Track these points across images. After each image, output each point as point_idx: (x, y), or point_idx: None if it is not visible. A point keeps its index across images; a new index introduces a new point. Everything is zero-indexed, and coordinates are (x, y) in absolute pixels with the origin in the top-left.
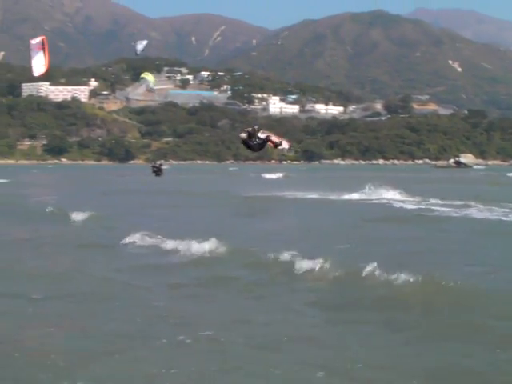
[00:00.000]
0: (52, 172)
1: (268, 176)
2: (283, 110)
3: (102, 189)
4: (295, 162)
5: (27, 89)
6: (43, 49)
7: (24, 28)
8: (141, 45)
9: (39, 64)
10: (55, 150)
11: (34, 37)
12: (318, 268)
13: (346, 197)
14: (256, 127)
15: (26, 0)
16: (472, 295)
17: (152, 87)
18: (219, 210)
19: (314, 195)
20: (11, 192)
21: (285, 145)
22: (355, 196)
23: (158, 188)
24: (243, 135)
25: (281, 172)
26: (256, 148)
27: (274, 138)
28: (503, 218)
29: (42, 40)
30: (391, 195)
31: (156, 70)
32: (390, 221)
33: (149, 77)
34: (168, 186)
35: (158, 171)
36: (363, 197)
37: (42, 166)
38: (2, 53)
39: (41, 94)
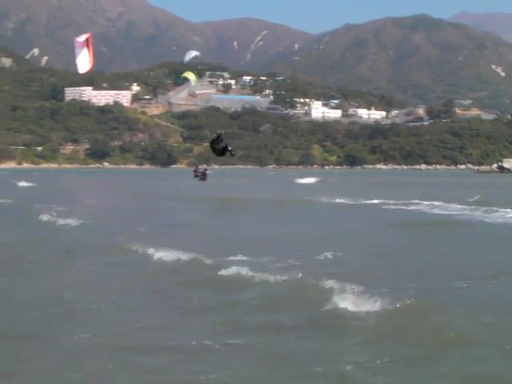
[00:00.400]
0: (87, 176)
1: (301, 181)
2: (325, 114)
3: (131, 191)
4: (337, 167)
5: (70, 93)
6: (88, 46)
7: (67, 33)
8: (188, 56)
9: (84, 61)
10: (98, 154)
11: (74, 50)
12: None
13: (372, 201)
14: (223, 131)
15: (70, 6)
16: None
17: (193, 86)
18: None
19: (342, 200)
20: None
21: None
22: (378, 201)
23: (192, 194)
24: (214, 136)
25: (317, 177)
26: (218, 152)
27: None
28: None
29: (87, 37)
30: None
31: (198, 74)
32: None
33: (190, 75)
34: (204, 192)
35: (202, 176)
36: (392, 201)
37: (81, 170)
38: (46, 57)
39: (83, 99)
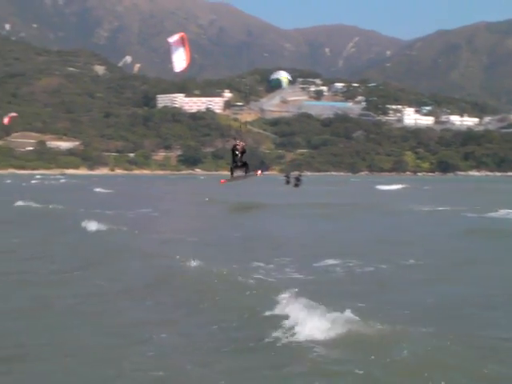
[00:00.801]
0: (176, 181)
1: (384, 187)
2: (418, 121)
3: (212, 197)
4: (430, 174)
5: (162, 100)
6: (183, 44)
7: (159, 40)
8: (277, 75)
9: (180, 59)
10: (190, 160)
11: (169, 50)
12: None
13: (453, 208)
14: (242, 144)
15: (161, 13)
16: None
17: (285, 90)
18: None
19: (420, 206)
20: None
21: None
22: (459, 208)
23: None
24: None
25: (404, 183)
26: (239, 162)
27: None
28: None
29: (181, 36)
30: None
31: (290, 81)
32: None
33: (282, 77)
34: (293, 198)
35: (296, 182)
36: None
37: (170, 177)
38: (138, 65)
39: (175, 105)
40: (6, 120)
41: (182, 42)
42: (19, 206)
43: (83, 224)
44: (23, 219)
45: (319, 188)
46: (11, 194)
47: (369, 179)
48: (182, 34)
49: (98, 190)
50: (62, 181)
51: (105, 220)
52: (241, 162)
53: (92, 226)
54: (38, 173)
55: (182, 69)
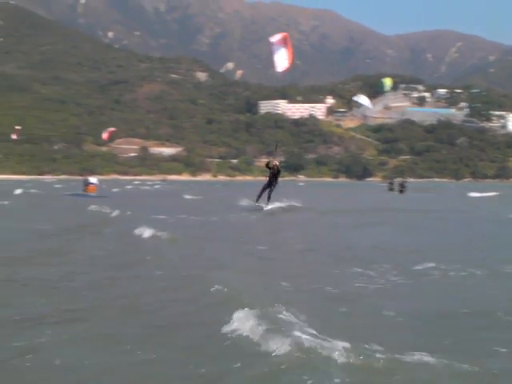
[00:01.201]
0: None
1: (475, 194)
2: None
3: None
4: None
5: (264, 106)
6: (285, 44)
7: (261, 47)
8: (360, 100)
9: (282, 59)
10: (292, 166)
11: (270, 55)
12: None
13: None
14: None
15: (263, 19)
16: None
17: (387, 95)
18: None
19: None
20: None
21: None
22: None
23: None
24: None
25: (498, 191)
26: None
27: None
28: None
29: (284, 36)
30: None
31: (392, 87)
32: None
33: (387, 81)
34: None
35: (401, 188)
36: None
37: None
38: (240, 71)
39: (278, 112)
40: (105, 135)
41: (284, 41)
42: (90, 211)
43: (136, 231)
44: (81, 223)
45: (415, 195)
46: (94, 199)
47: (465, 186)
48: (285, 33)
49: (187, 196)
50: (157, 186)
51: (162, 227)
52: (273, 184)
53: (146, 233)
54: (141, 178)
55: (284, 69)
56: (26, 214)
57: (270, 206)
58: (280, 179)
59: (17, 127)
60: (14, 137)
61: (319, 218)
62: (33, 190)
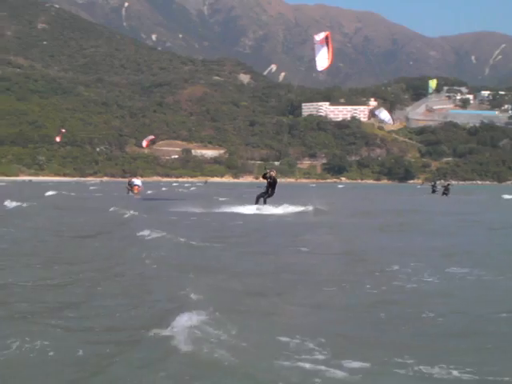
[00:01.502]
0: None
1: (509, 196)
2: None
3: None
4: None
5: (307, 108)
6: (327, 43)
7: (304, 49)
8: (381, 115)
9: (322, 58)
10: (335, 168)
11: (314, 57)
12: None
13: None
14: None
15: (306, 22)
16: None
17: (432, 91)
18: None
19: None
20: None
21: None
22: None
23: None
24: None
25: None
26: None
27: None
28: None
29: (326, 35)
30: None
31: (435, 89)
32: None
33: (432, 82)
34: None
35: (445, 191)
36: None
37: (305, 185)
38: (283, 73)
39: (320, 114)
40: (144, 143)
41: (326, 40)
42: (110, 212)
43: (139, 232)
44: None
45: (459, 197)
46: (120, 200)
47: (507, 188)
48: (328, 32)
49: (220, 198)
50: (192, 189)
51: (168, 230)
52: (269, 193)
53: (146, 234)
54: (182, 180)
55: (324, 68)
56: (39, 216)
57: (263, 208)
58: (322, 181)
59: (63, 130)
60: (57, 139)
61: (348, 222)
62: (64, 192)
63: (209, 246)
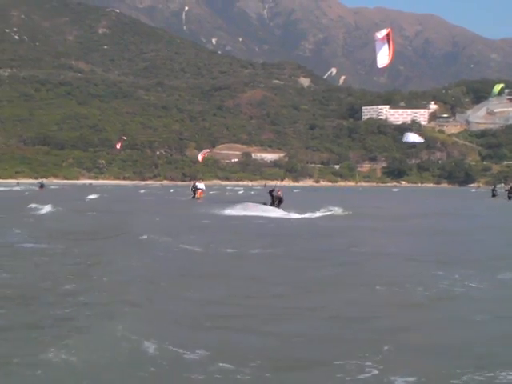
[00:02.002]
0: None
1: None
2: None
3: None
4: None
5: (367, 112)
6: (388, 40)
7: (364, 52)
8: (409, 138)
9: (383, 55)
10: (394, 172)
11: (374, 61)
12: None
13: None
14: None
15: (366, 25)
16: None
17: (495, 95)
18: None
19: None
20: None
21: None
22: None
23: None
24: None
25: None
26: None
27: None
28: None
29: (388, 32)
30: None
31: (502, 90)
32: None
33: (497, 87)
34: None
35: (509, 195)
36: None
37: (364, 188)
38: (343, 77)
39: (381, 117)
40: (200, 157)
41: (387, 37)
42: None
43: (140, 237)
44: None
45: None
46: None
47: None
48: (389, 29)
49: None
50: (240, 192)
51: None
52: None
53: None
54: (242, 184)
55: (384, 65)
56: (64, 220)
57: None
58: (382, 185)
59: (124, 137)
60: (117, 146)
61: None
62: (106, 195)
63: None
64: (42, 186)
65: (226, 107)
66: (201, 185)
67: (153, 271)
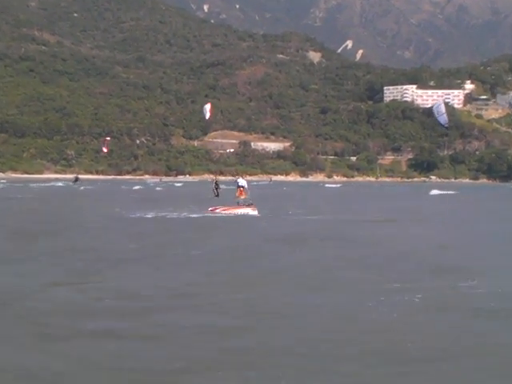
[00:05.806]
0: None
1: None
2: None
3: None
4: None
5: (390, 93)
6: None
7: (386, 22)
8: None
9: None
10: (422, 165)
11: (398, 32)
12: None
13: None
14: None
15: None
16: None
17: None
18: None
19: None
20: None
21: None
22: None
23: None
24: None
25: None
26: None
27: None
28: None
29: None
30: None
31: None
32: None
33: None
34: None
35: None
36: None
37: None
38: (361, 51)
39: (406, 99)
40: (105, 149)
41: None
42: (133, 218)
43: None
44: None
45: None
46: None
47: None
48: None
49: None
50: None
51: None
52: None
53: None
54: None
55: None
56: None
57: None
58: (407, 180)
59: (107, 138)
60: (104, 149)
61: None
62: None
63: None
64: (76, 179)
65: (221, 87)
66: (243, 181)
67: None
